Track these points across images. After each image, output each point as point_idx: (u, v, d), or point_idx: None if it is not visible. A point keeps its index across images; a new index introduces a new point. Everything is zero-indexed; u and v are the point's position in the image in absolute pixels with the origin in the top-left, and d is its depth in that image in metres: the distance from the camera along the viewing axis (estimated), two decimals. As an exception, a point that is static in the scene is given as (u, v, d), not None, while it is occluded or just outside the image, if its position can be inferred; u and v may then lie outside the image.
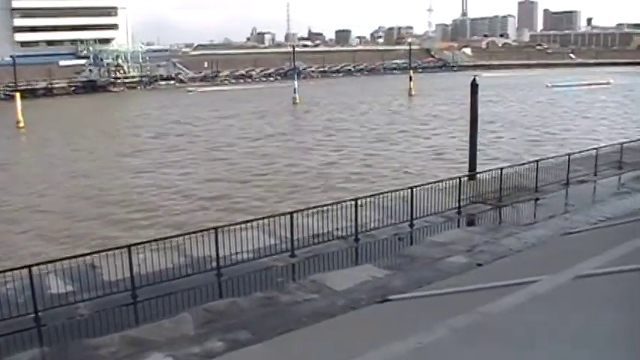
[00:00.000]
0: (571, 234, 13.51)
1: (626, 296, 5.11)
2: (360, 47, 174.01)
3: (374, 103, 72.07)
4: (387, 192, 18.18)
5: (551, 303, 5.23)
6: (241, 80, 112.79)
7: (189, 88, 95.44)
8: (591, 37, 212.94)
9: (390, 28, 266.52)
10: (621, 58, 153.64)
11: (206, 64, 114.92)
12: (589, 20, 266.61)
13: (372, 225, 16.73)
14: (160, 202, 27.91)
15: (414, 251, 15.35)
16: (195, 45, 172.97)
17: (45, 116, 65.15)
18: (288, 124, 56.91)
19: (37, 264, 11.92)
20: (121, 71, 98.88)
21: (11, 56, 64.30)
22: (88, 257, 12.82)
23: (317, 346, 7.15)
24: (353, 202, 16.22)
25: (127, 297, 12.40)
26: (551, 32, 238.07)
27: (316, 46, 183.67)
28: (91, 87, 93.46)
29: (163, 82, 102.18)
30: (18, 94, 56.93)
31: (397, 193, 17.93)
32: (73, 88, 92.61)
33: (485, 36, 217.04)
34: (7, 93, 71.13)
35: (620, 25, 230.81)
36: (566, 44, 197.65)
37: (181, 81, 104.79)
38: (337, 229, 16.01)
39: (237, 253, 14.01)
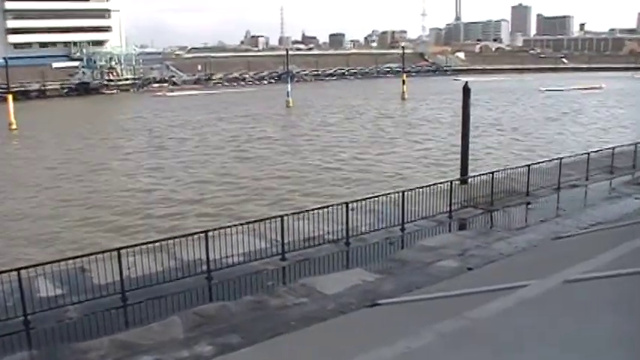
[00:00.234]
0: (562, 238, 13.54)
1: (616, 300, 5.11)
2: (353, 51, 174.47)
3: (367, 107, 72.17)
4: (378, 195, 18.21)
5: (539, 307, 5.23)
6: (234, 83, 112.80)
7: (158, 93, 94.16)
8: (584, 42, 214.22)
9: (384, 32, 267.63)
10: (613, 63, 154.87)
11: (200, 67, 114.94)
12: (582, 25, 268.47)
13: (363, 229, 16.72)
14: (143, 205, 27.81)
15: (405, 255, 15.34)
16: (189, 48, 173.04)
17: (38, 118, 64.91)
18: (280, 128, 56.82)
19: (27, 267, 11.79)
20: (114, 74, 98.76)
21: (4, 58, 64.08)
22: (77, 260, 12.73)
23: (306, 350, 7.13)
24: (344, 206, 16.21)
25: (117, 300, 12.32)
26: (545, 37, 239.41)
27: (310, 49, 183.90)
28: (84, 89, 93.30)
29: (154, 85, 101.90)
30: (10, 96, 56.67)
31: (388, 196, 17.94)
32: (66, 90, 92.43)
33: (479, 40, 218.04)
34: (0, 95, 70.88)
35: (612, 30, 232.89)
36: (559, 49, 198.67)
37: (174, 84, 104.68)
38: (328, 232, 15.98)
39: (227, 256, 13.96)
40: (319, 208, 16.40)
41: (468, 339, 4.55)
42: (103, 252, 12.59)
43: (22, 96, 77.03)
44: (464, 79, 33.50)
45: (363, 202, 17.59)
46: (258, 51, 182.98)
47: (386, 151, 42.17)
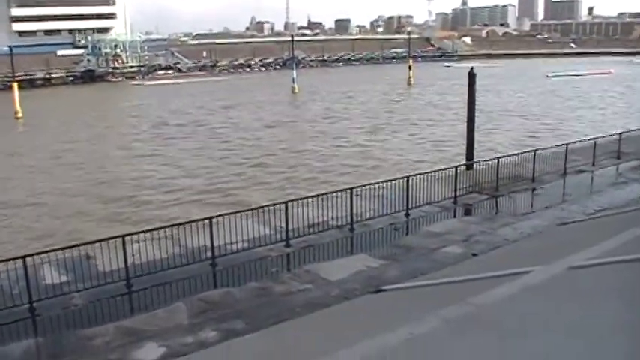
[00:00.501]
0: (567, 224, 13.47)
1: (620, 287, 5.07)
2: (359, 36, 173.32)
3: (373, 92, 71.89)
4: (383, 181, 18.12)
5: (544, 293, 5.20)
6: (240, 70, 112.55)
7: (134, 82, 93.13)
8: (592, 27, 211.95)
9: (390, 17, 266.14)
10: (622, 47, 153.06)
11: (205, 54, 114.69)
12: (590, 9, 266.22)
13: (368, 215, 16.69)
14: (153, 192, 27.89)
15: (410, 241, 15.30)
16: (194, 34, 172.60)
17: (43, 106, 64.95)
18: (284, 115, 56.70)
19: (32, 254, 11.85)
20: (120, 61, 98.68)
21: (9, 46, 63.99)
22: (82, 247, 12.77)
23: (310, 336, 7.13)
24: (348, 192, 16.17)
25: (122, 287, 12.37)
26: (552, 21, 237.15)
27: (315, 35, 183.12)
28: (89, 77, 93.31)
29: (161, 72, 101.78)
30: (16, 85, 56.68)
31: (393, 182, 17.87)
32: (71, 78, 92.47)
33: (486, 25, 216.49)
34: (5, 83, 70.88)
35: (621, 14, 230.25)
36: (567, 34, 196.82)
37: (180, 70, 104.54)
38: (332, 218, 15.97)
39: (231, 242, 13.99)
40: (323, 194, 16.36)
41: (473, 325, 4.53)
42: (108, 239, 12.58)
43: (27, 84, 77.10)
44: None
45: (368, 188, 17.54)
46: (264, 37, 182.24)
47: (391, 137, 42.06)
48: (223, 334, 9.82)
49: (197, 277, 12.99)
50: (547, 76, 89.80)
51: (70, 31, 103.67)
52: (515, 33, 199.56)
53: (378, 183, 18.04)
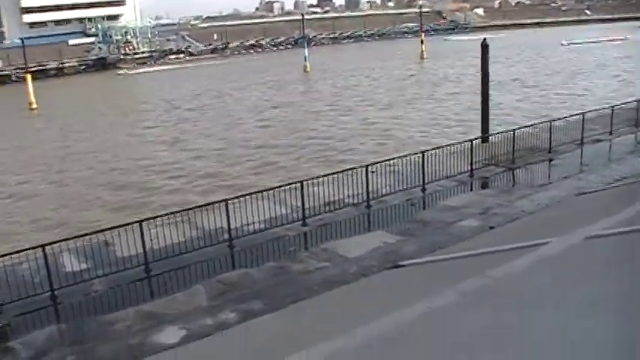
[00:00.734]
0: (585, 194, 13.35)
1: (636, 256, 5.00)
2: (370, 12, 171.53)
3: (386, 69, 71.28)
4: (398, 157, 18.04)
5: (561, 265, 5.17)
6: (251, 51, 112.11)
7: (120, 72, 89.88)
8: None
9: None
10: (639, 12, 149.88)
11: (215, 36, 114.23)
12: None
13: (384, 191, 16.66)
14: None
15: (426, 216, 15.26)
16: (204, 17, 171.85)
17: (57, 96, 65.23)
18: (299, 94, 56.52)
19: (51, 243, 11.96)
20: (131, 47, 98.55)
21: (20, 38, 64.13)
22: (100, 234, 12.88)
23: (329, 314, 7.17)
24: (364, 169, 16.11)
25: (141, 272, 12.50)
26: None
27: (326, 12, 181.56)
28: (101, 64, 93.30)
29: (173, 57, 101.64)
30: (29, 76, 56.88)
31: (409, 157, 17.76)
32: (83, 67, 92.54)
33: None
34: (19, 75, 71.16)
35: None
36: (582, 0, 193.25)
37: (191, 54, 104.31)
38: (348, 196, 15.95)
39: (248, 224, 14.04)
40: (339, 172, 16.29)
41: (491, 297, 4.53)
42: (126, 225, 12.67)
43: (40, 75, 77.30)
44: (484, 34, 32.55)
45: (383, 164, 17.46)
46: (274, 17, 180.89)
47: (406, 112, 41.77)
48: (242, 314, 9.88)
49: (215, 260, 13.08)
50: (562, 44, 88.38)
51: (80, 20, 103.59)
52: (528, 2, 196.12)
53: (393, 159, 17.94)
